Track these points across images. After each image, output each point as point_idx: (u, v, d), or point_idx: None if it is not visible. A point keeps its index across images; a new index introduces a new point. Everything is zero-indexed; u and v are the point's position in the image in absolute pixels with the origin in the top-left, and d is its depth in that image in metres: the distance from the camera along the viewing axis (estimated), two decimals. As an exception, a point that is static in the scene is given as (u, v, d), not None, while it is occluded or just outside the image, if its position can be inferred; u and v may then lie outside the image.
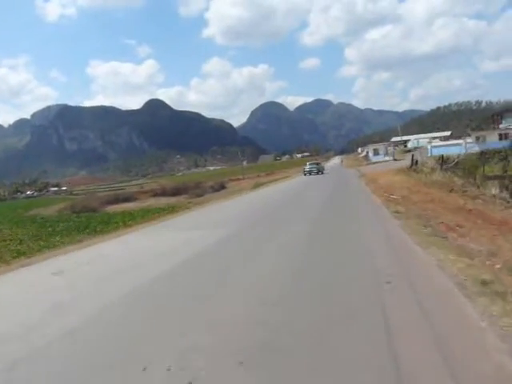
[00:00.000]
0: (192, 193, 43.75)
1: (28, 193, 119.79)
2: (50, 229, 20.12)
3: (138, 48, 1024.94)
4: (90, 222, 22.27)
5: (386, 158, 48.59)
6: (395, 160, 47.37)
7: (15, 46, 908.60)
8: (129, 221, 19.23)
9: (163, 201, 43.72)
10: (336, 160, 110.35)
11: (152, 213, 21.78)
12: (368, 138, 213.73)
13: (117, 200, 46.13)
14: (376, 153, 51.89)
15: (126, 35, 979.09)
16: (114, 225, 18.06)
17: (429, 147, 44.90)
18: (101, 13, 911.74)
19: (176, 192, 48.26)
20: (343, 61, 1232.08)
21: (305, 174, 45.88)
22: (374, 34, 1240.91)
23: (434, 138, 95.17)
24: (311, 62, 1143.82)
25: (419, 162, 24.14)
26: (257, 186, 37.57)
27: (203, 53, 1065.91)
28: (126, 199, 46.89)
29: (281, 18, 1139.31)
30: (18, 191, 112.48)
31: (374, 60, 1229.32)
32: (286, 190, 27.42)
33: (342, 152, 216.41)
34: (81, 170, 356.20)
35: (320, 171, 45.91)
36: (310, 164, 49.97)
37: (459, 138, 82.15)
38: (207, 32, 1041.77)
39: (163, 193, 49.13)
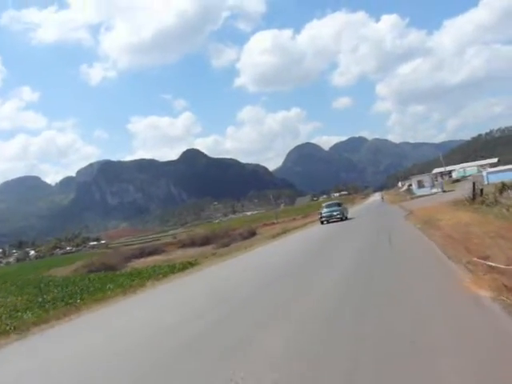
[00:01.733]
0: (219, 242, 40.77)
1: (68, 248, 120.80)
2: (42, 297, 17.11)
3: (174, 102, 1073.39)
4: (95, 285, 19.23)
5: (434, 190, 43.22)
6: (444, 192, 42.14)
7: (63, 109, 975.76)
8: (131, 282, 16.02)
9: (190, 252, 41.02)
10: (376, 196, 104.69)
11: (159, 271, 18.58)
12: (407, 171, 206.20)
13: (142, 253, 43.64)
14: (421, 185, 46.46)
15: (163, 90, 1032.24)
16: (109, 291, 14.81)
17: (484, 174, 39.64)
18: (139, 72, 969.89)
19: (205, 241, 45.33)
20: (375, 97, 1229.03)
21: (322, 222, 32.29)
22: (404, 69, 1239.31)
23: (482, 165, 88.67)
24: (343, 101, 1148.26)
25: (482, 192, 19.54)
26: (283, 232, 33.77)
27: (237, 101, 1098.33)
28: (153, 252, 44.31)
29: (310, 61, 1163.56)
30: (57, 247, 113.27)
31: (407, 94, 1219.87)
32: (313, 237, 23.05)
33: (381, 188, 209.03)
34: (122, 223, 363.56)
35: (343, 215, 32.11)
36: (327, 206, 34.47)
37: (510, 163, 75.67)
38: (239, 81, 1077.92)
39: (192, 243, 46.20)
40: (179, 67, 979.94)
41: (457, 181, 65.75)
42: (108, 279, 20.69)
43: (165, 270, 18.73)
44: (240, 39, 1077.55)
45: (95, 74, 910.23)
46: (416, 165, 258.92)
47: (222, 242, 41.74)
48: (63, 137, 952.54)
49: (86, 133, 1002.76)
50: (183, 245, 46.50)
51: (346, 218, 32.08)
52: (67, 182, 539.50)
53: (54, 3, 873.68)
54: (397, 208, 35.07)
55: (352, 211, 48.01)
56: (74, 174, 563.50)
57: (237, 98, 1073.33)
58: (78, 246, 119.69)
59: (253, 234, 43.38)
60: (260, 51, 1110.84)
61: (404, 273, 7.78)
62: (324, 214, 32.34)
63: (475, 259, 7.10)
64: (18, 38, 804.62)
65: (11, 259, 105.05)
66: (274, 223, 66.18)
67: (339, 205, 34.54)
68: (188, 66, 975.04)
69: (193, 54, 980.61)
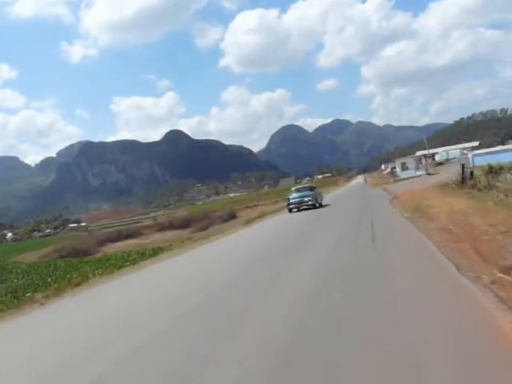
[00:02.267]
0: (198, 226, 39.56)
1: (47, 231, 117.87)
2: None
3: (157, 82, 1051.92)
4: (57, 273, 17.79)
5: (418, 173, 42.36)
6: (429, 174, 41.36)
7: (43, 88, 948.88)
8: (95, 271, 14.66)
9: (168, 235, 39.76)
10: (359, 179, 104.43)
11: (128, 258, 17.28)
12: (390, 154, 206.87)
13: (119, 237, 42.10)
14: (405, 167, 45.43)
15: (146, 70, 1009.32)
16: (68, 280, 13.43)
17: (470, 156, 38.93)
18: (121, 50, 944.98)
19: (184, 224, 43.96)
20: (360, 80, 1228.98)
21: (290, 210, 27.16)
22: (389, 51, 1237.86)
23: (465, 148, 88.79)
24: (328, 83, 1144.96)
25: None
26: (262, 215, 32.56)
27: (221, 82, 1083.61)
28: (130, 235, 42.76)
29: (296, 41, 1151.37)
30: (35, 230, 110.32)
31: (391, 76, 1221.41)
32: (290, 223, 20.55)
33: (364, 170, 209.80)
34: (105, 205, 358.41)
35: (315, 202, 26.76)
36: (296, 191, 29.21)
37: (490, 146, 75.79)
38: (224, 62, 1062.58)
39: (170, 226, 44.76)
40: (162, 46, 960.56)
41: (440, 164, 65.47)
42: (73, 266, 19.34)
43: (134, 256, 17.53)
44: (225, 18, 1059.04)
45: (76, 51, 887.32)
46: (398, 147, 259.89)
47: (200, 225, 40.59)
48: (43, 116, 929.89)
49: (67, 113, 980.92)
50: (162, 227, 45.03)
51: (321, 205, 27.20)
52: (47, 162, 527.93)
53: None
54: (380, 191, 33.09)
55: (332, 195, 46.53)
56: (54, 155, 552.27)
57: (221, 78, 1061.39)
58: (56, 228, 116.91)
59: (233, 216, 42.18)
60: (245, 31, 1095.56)
61: (396, 312, 4.36)
62: (292, 201, 27.02)
63: (501, 275, 4.53)
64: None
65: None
66: (255, 205, 65.13)
67: (311, 189, 28.70)
68: (172, 44, 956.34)
69: (176, 32, 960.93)
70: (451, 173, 23.27)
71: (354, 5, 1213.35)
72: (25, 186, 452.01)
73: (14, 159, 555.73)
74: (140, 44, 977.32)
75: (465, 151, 79.94)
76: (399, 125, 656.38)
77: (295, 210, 27.03)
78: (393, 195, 23.34)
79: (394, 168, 52.76)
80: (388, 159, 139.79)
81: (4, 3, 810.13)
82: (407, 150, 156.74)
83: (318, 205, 26.87)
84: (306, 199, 26.65)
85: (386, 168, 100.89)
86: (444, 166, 55.30)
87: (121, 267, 14.34)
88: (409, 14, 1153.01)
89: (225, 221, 40.36)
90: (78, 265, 20.16)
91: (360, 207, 20.94)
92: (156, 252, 19.08)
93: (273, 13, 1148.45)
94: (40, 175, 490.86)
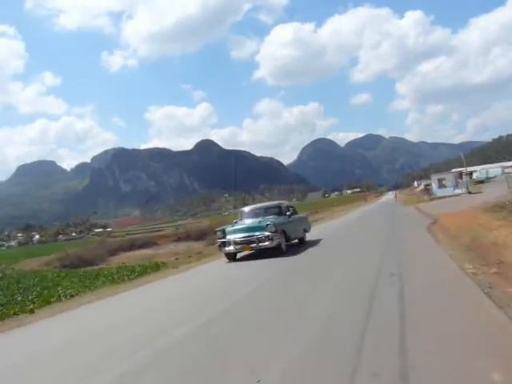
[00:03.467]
0: (211, 239, 37.34)
1: (73, 234, 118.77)
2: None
3: (192, 92, 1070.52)
4: (38, 289, 15.61)
5: (458, 191, 38.50)
6: (470, 193, 37.46)
7: (83, 95, 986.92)
8: (67, 291, 12.38)
9: (181, 247, 37.80)
10: (390, 195, 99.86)
11: (117, 274, 15.03)
12: (424, 171, 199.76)
13: (132, 246, 40.27)
14: (442, 184, 41.26)
15: (182, 80, 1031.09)
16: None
17: (515, 175, 34.94)
18: (159, 61, 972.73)
19: (200, 236, 41.70)
20: (395, 95, 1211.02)
21: (229, 256, 13.10)
22: (426, 67, 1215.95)
23: (506, 167, 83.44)
24: (362, 98, 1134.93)
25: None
26: None
27: (255, 94, 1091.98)
28: (144, 245, 40.86)
29: (330, 55, 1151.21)
30: (59, 233, 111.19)
31: (427, 93, 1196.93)
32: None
33: (396, 187, 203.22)
34: (134, 211, 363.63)
35: (282, 240, 12.82)
36: (247, 214, 14.83)
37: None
38: (258, 74, 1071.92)
39: (187, 237, 42.61)
40: (199, 57, 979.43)
41: (480, 182, 60.86)
42: (61, 280, 17.29)
43: (124, 272, 15.29)
44: (261, 31, 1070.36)
45: (115, 61, 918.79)
46: (433, 164, 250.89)
47: (214, 238, 38.29)
48: (81, 123, 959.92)
49: (103, 119, 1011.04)
50: (178, 238, 42.97)
51: (302, 242, 15.18)
52: (82, 167, 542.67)
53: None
54: (413, 211, 27.30)
55: (354, 213, 42.09)
56: (88, 161, 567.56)
57: (255, 90, 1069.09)
58: (81, 232, 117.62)
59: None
60: (280, 44, 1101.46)
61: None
62: (233, 237, 12.89)
63: None
64: (41, 24, 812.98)
65: (13, 243, 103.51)
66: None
67: (279, 212, 14.37)
68: (208, 56, 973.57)
69: (213, 44, 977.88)
70: (499, 192, 19.81)
71: (391, 20, 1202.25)
72: (60, 189, 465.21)
73: (52, 163, 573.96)
74: (178, 55, 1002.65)
75: (506, 170, 74.78)
76: (433, 141, 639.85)
77: (238, 255, 13.45)
78: (431, 218, 18.24)
79: (429, 185, 48.69)
80: (421, 176, 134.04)
81: (50, 15, 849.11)
82: (442, 167, 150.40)
83: (289, 244, 13.78)
84: (260, 235, 12.57)
85: (418, 185, 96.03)
86: (485, 185, 50.91)
87: (96, 288, 12.00)
88: (448, 29, 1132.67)
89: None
90: (68, 277, 18.14)
91: (383, 240, 12.69)
92: (158, 267, 16.87)
93: (309, 26, 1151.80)
94: (75, 179, 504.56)
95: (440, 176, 43.73)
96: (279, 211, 14.47)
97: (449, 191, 39.31)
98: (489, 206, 15.28)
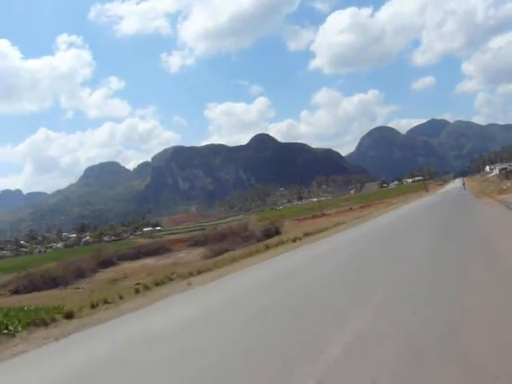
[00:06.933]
0: (232, 241, 31.08)
1: (127, 235, 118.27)
2: None
3: (250, 87, 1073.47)
4: None
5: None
6: None
7: (144, 97, 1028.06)
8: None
9: (192, 254, 32.20)
10: (456, 183, 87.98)
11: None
12: (496, 155, 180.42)
13: (139, 253, 35.22)
14: None
15: (239, 76, 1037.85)
16: None
17: None
18: (216, 58, 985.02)
19: (221, 238, 35.74)
20: (460, 76, 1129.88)
21: None
22: (496, 43, 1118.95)
23: None
24: (424, 82, 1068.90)
25: None
26: (299, 237, 22.65)
27: (312, 85, 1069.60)
28: (153, 252, 35.59)
29: (389, 39, 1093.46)
30: (102, 234, 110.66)
31: (498, 71, 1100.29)
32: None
33: (463, 174, 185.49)
34: (192, 208, 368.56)
35: None
36: None
37: None
38: (315, 63, 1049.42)
39: (204, 241, 36.82)
40: (255, 51, 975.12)
41: None
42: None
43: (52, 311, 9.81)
44: (317, 19, 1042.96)
45: (174, 61, 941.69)
46: (506, 148, 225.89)
47: (235, 240, 32.03)
48: (144, 123, 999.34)
49: (165, 119, 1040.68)
50: (195, 242, 37.32)
51: None
52: (144, 166, 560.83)
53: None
54: (498, 211, 18.62)
55: (394, 214, 33.72)
56: (149, 160, 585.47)
57: (312, 81, 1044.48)
58: (132, 232, 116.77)
59: (277, 232, 32.85)
60: (337, 31, 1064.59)
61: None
62: None
63: None
64: (104, 31, 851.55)
65: (60, 244, 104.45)
66: (322, 214, 54.78)
67: None
68: (264, 49, 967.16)
69: (268, 37, 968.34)
70: None
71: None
72: (123, 189, 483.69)
73: (116, 164, 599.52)
74: (234, 50, 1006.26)
75: None
76: (506, 123, 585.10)
77: None
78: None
79: (504, 169, 38.96)
80: (493, 160, 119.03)
81: (111, 22, 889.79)
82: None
83: None
84: None
85: (491, 170, 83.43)
86: None
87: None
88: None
89: (267, 237, 31.48)
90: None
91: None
92: (137, 290, 12.12)
93: (366, 11, 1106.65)
94: (137, 179, 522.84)
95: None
96: None
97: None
98: None
